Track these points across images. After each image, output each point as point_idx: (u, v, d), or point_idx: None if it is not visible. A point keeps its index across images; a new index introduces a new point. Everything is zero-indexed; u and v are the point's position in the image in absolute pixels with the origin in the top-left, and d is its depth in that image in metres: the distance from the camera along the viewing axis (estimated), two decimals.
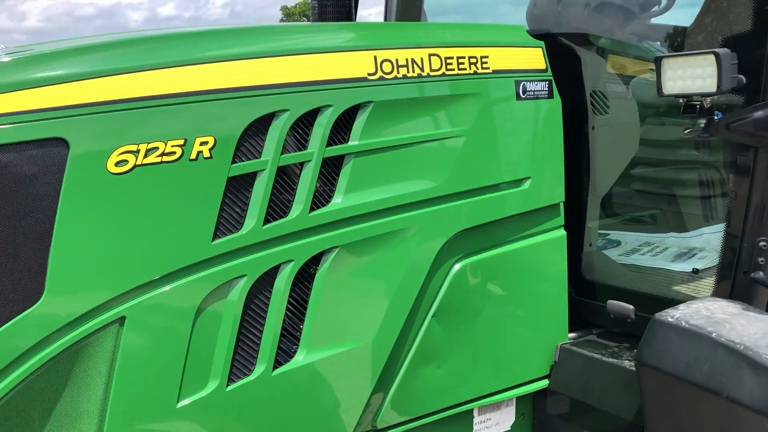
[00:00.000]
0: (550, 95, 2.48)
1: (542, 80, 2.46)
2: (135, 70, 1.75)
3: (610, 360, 2.50)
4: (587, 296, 2.80)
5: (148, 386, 1.84)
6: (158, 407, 1.86)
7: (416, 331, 2.30)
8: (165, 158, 1.78)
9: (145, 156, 1.75)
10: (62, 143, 1.65)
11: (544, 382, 2.62)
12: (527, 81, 2.42)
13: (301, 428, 2.08)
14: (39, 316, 1.67)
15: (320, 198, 2.05)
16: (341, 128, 2.07)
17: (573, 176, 2.64)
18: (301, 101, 1.97)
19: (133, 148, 1.74)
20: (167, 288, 1.82)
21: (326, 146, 2.02)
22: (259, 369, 1.99)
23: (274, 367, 2.01)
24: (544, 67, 2.45)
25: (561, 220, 2.59)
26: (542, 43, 2.47)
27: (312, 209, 2.01)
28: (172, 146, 1.78)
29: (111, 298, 1.76)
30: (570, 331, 2.70)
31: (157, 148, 1.76)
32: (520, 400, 2.68)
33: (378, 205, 2.12)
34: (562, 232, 2.59)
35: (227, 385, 1.94)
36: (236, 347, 1.95)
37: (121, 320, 1.78)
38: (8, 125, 1.60)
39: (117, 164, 1.72)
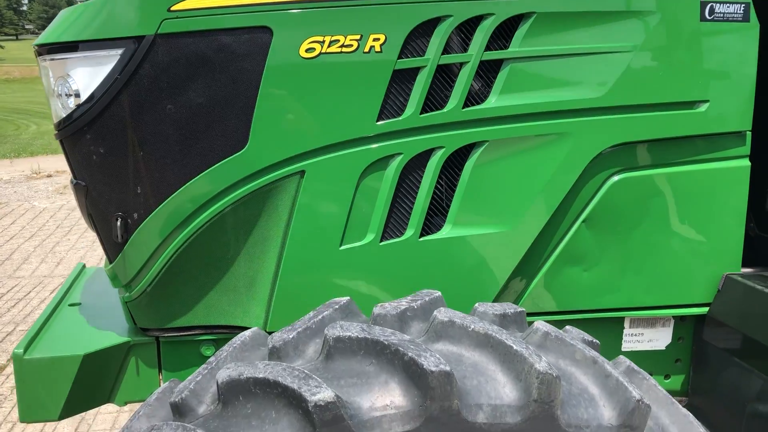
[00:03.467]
0: (746, 19, 2.42)
1: (736, 2, 2.40)
2: None
3: None
4: None
5: (318, 228, 2.37)
6: (324, 246, 2.39)
7: (563, 231, 2.51)
8: (344, 49, 2.25)
9: (329, 46, 2.24)
10: (267, 31, 2.21)
11: (704, 309, 2.62)
12: (716, 2, 2.39)
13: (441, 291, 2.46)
14: (243, 159, 2.28)
15: (476, 97, 2.35)
16: (503, 35, 2.33)
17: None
18: (465, 9, 2.28)
19: (320, 39, 2.23)
20: (339, 153, 2.32)
21: (485, 50, 2.31)
22: (409, 233, 2.40)
23: (421, 235, 2.41)
24: None
25: (746, 149, 2.53)
26: None
27: (466, 105, 2.33)
28: (350, 40, 2.24)
29: (296, 155, 2.31)
30: (746, 267, 2.64)
31: (338, 41, 2.24)
32: (679, 324, 2.72)
33: (532, 108, 2.36)
34: (746, 163, 2.53)
35: (381, 240, 2.40)
36: (390, 211, 2.39)
37: (302, 173, 2.32)
38: (229, 15, 2.19)
39: (306, 51, 2.23)
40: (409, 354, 1.58)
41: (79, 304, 2.87)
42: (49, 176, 15.49)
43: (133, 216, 2.32)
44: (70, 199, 12.27)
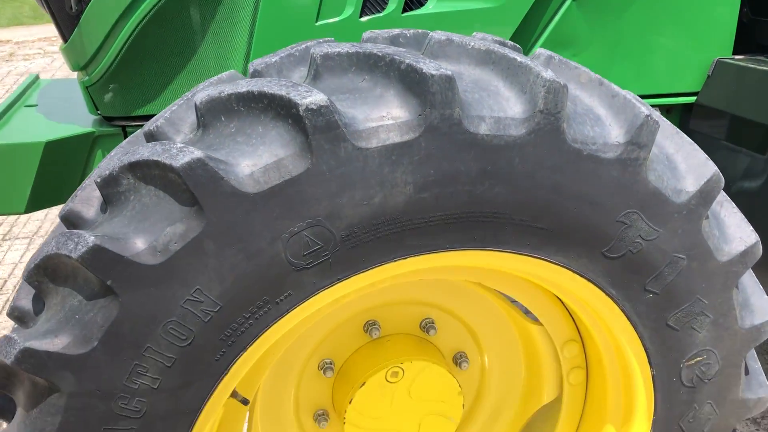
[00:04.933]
0: None
1: None
2: None
3: None
4: (766, 15, 2.59)
5: (290, 2, 2.20)
6: (298, 22, 2.22)
7: (553, 10, 2.37)
8: None
9: None
10: None
11: (692, 98, 2.55)
12: None
13: None
14: None
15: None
16: None
17: None
18: None
19: None
20: None
21: None
22: (391, 7, 2.24)
23: (405, 10, 2.25)
24: None
25: None
26: None
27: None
28: None
29: None
30: (737, 53, 2.55)
31: None
32: (665, 116, 2.65)
33: None
34: None
35: (360, 15, 2.24)
36: None
37: None
38: None
39: None
40: (407, 61, 1.44)
41: (36, 105, 2.68)
42: None
43: None
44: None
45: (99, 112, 2.35)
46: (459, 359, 2.14)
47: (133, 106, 2.29)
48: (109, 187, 1.48)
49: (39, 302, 1.59)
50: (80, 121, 2.42)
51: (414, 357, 1.96)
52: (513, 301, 2.12)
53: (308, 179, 1.41)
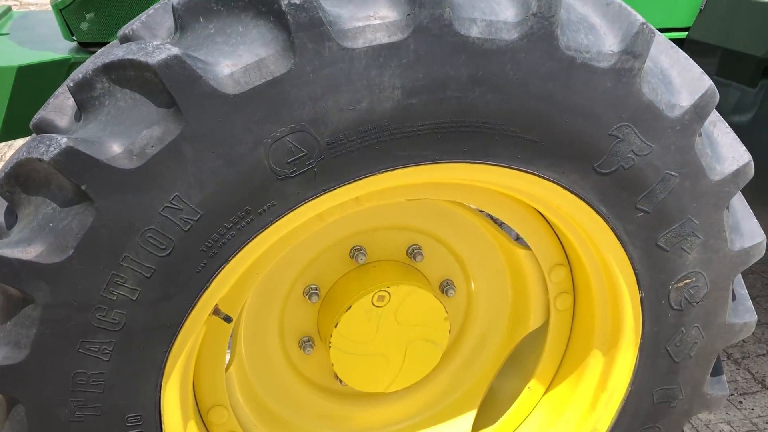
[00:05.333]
0: None
1: None
2: None
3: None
4: None
5: None
6: None
7: None
8: None
9: None
10: None
11: (683, 34, 2.50)
12: None
13: None
14: None
15: None
16: None
17: None
18: None
19: None
20: None
21: None
22: None
23: None
24: None
25: None
26: None
27: None
28: None
29: None
30: None
31: None
32: None
33: None
34: None
35: None
36: None
37: None
38: None
39: None
40: None
41: (8, 34, 2.57)
42: None
43: None
44: None
45: (74, 38, 2.25)
46: (445, 286, 2.11)
47: (109, 31, 2.20)
48: (83, 92, 1.41)
49: (11, 215, 1.53)
50: (55, 48, 2.32)
51: (400, 282, 1.93)
52: (500, 226, 2.09)
53: (291, 80, 1.35)
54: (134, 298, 1.42)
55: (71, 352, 1.43)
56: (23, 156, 1.37)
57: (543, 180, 1.62)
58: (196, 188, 1.37)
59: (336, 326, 1.90)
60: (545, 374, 2.18)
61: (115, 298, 1.41)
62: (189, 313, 1.49)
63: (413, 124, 1.46)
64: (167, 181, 1.35)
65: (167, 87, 1.30)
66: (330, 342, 1.92)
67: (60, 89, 1.62)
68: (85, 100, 1.42)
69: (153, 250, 1.39)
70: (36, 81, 2.24)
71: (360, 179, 1.49)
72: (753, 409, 3.09)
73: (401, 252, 2.06)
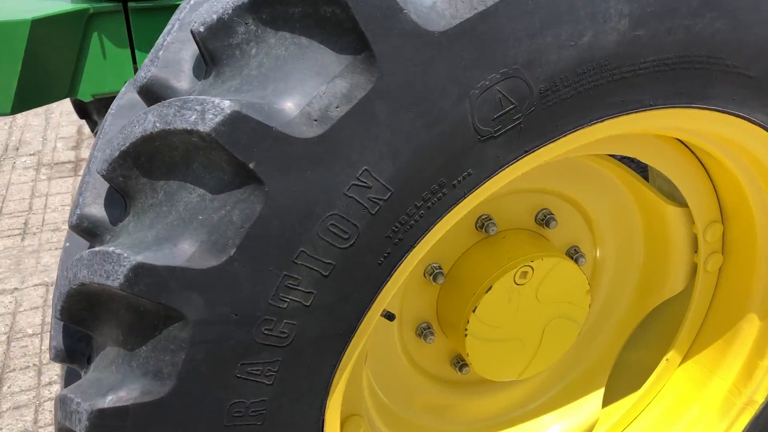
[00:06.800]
0: None
1: None
2: None
3: None
4: None
5: None
6: None
7: None
8: None
9: None
10: None
11: None
12: None
13: None
14: None
15: None
16: None
17: None
18: None
19: None
20: None
21: None
22: None
23: None
24: None
25: None
26: None
27: None
28: None
29: None
30: None
31: None
32: None
33: None
34: None
35: None
36: None
37: None
38: None
39: None
40: None
41: None
42: None
43: None
44: None
45: None
46: (574, 254, 1.85)
47: None
48: (218, 38, 1.07)
49: (115, 208, 1.18)
50: None
51: (543, 254, 1.65)
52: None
53: (506, 10, 1.04)
54: (308, 304, 1.11)
55: (228, 379, 1.11)
56: (155, 128, 1.02)
57: (753, 125, 1.37)
58: (388, 159, 1.06)
59: (474, 311, 1.62)
60: (683, 343, 1.96)
61: (285, 306, 1.09)
62: (364, 316, 1.18)
63: (635, 62, 1.17)
64: (355, 153, 1.03)
65: (360, 24, 0.97)
66: (466, 330, 1.64)
67: (167, 39, 1.24)
68: (220, 48, 1.07)
69: (334, 241, 1.08)
70: (52, 36, 1.86)
71: (565, 135, 1.19)
72: None
73: (529, 218, 1.78)
